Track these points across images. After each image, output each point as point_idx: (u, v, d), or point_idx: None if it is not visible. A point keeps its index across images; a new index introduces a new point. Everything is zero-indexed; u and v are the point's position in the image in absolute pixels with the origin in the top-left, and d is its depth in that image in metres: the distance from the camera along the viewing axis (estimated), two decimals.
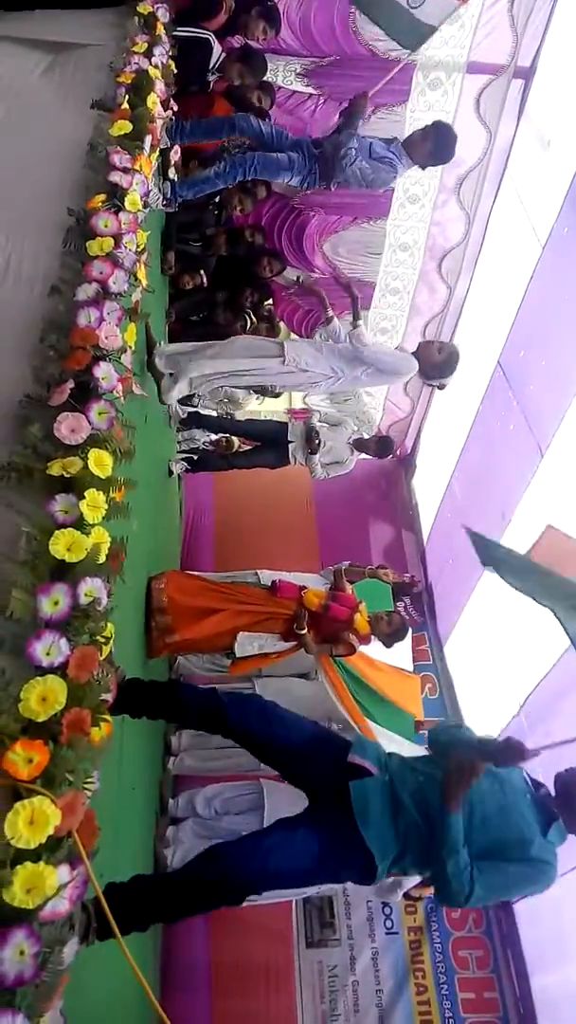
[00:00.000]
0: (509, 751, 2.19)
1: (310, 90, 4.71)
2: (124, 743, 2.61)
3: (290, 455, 5.13)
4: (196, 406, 5.76)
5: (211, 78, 4.35)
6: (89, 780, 1.41)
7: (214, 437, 5.65)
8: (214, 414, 6.00)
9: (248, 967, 4.05)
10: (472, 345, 5.33)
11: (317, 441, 4.97)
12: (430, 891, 3.90)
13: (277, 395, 6.37)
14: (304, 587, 3.81)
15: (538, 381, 4.25)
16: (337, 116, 4.21)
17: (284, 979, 4.05)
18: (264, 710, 2.37)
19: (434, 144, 3.80)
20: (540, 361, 4.23)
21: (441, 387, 3.96)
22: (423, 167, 3.98)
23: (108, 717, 1.54)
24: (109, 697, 1.57)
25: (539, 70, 4.43)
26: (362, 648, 3.75)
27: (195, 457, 5.38)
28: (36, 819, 1.23)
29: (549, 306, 4.13)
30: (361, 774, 2.20)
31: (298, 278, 5.37)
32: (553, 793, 2.20)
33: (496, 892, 2.13)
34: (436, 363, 3.75)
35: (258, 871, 2.07)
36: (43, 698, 1.35)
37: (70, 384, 1.84)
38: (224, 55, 4.33)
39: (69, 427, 1.76)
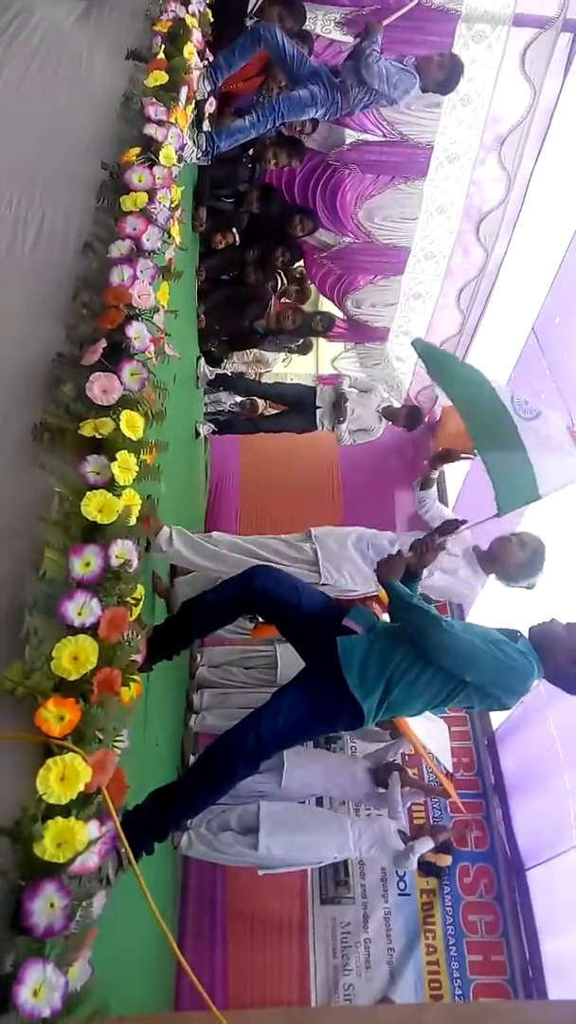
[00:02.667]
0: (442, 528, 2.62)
1: (349, 39, 4.55)
2: (149, 700, 2.64)
3: (317, 421, 5.09)
4: (224, 367, 5.73)
5: (250, 23, 4.22)
6: (119, 738, 1.42)
7: (240, 399, 5.63)
8: (243, 373, 5.98)
9: (263, 921, 4.15)
10: (506, 311, 5.22)
11: (345, 406, 4.93)
12: (448, 859, 3.96)
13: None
14: None
15: (574, 349, 4.16)
16: (353, 36, 4.23)
17: (298, 934, 4.14)
18: (282, 577, 2.62)
19: (448, 74, 3.85)
20: None
21: (530, 587, 3.15)
22: (425, 90, 3.96)
23: (137, 677, 1.56)
24: (139, 658, 1.58)
25: None
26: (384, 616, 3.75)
27: (222, 419, 5.37)
28: (67, 775, 1.24)
29: None
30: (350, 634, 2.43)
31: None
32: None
33: (471, 644, 2.24)
34: (520, 562, 3.08)
35: (257, 734, 2.28)
36: (75, 657, 1.36)
37: (103, 343, 1.82)
38: None
39: (101, 387, 1.74)
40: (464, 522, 2.84)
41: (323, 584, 3.13)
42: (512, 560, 3.08)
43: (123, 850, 1.54)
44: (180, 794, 2.29)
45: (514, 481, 2.66)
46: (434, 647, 2.24)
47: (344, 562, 3.12)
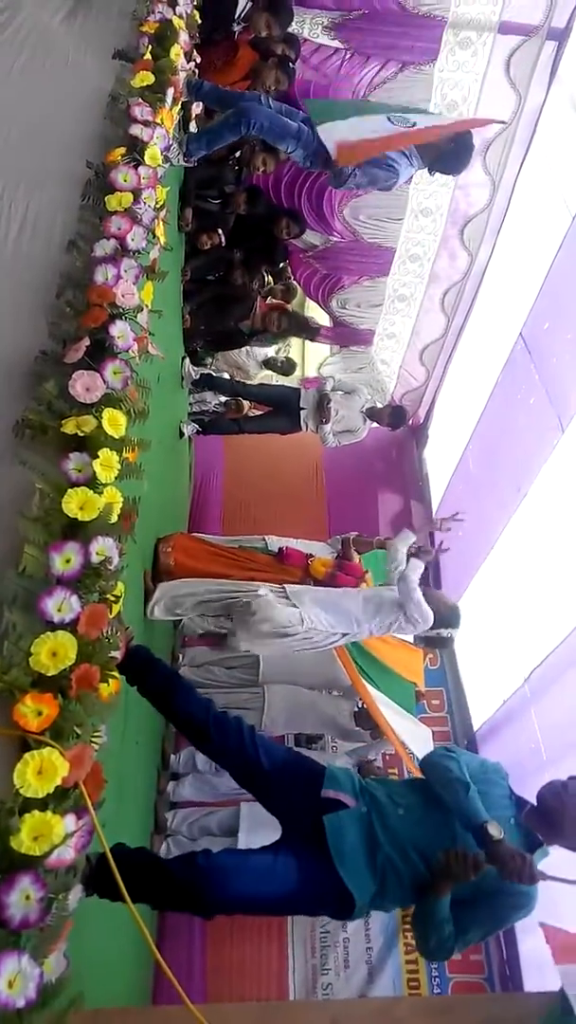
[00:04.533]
0: (513, 866, 1.88)
1: (336, 44, 4.59)
2: (129, 698, 2.64)
3: (302, 422, 5.11)
4: (209, 368, 5.74)
5: (236, 28, 4.24)
6: (97, 734, 1.43)
7: (225, 399, 5.64)
8: (226, 377, 5.99)
9: (242, 922, 4.15)
10: (492, 316, 5.26)
11: (329, 407, 4.95)
12: None
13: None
14: (311, 555, 3.83)
15: (562, 355, 4.19)
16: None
17: (277, 932, 4.15)
18: (242, 732, 2.24)
19: (453, 149, 3.67)
20: (566, 334, 4.16)
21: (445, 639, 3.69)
22: (431, 172, 3.88)
23: (116, 674, 1.57)
24: (118, 655, 1.59)
25: (574, 30, 4.29)
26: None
27: (206, 419, 5.37)
28: (44, 769, 1.25)
29: None
30: (336, 807, 2.11)
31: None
32: (536, 807, 2.11)
33: (475, 941, 2.09)
34: (443, 615, 3.49)
35: (232, 895, 1.97)
36: (53, 653, 1.37)
37: (86, 342, 1.82)
38: (250, 3, 4.22)
39: (84, 385, 1.75)
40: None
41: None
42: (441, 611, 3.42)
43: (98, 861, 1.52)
44: (144, 875, 1.96)
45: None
46: (424, 952, 2.09)
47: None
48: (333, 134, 3.37)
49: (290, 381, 6.59)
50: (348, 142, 3.37)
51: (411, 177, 4.55)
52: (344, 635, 3.41)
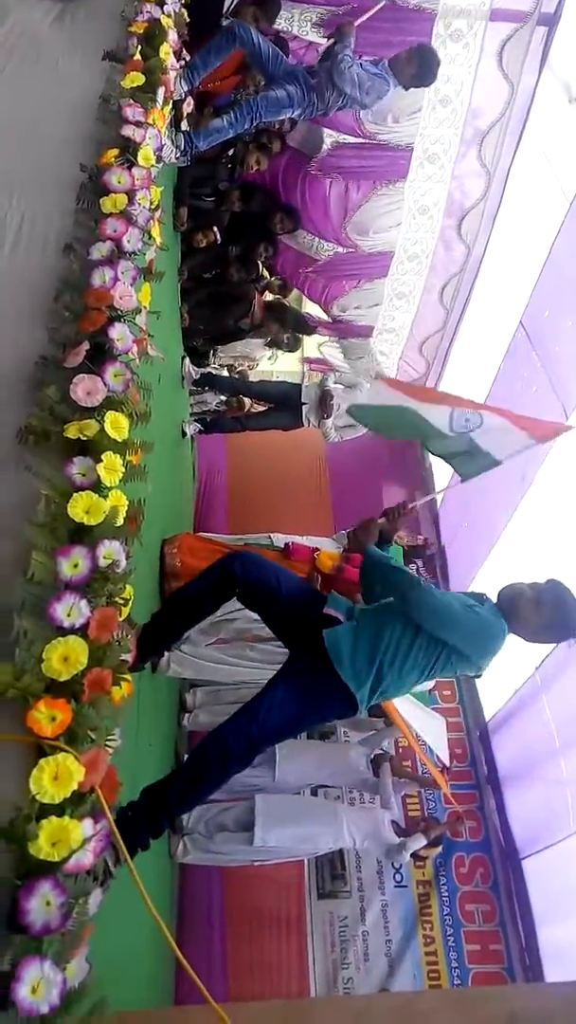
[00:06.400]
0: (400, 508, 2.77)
1: (325, 41, 4.56)
2: (141, 700, 2.66)
3: (303, 417, 5.10)
4: (210, 364, 5.74)
5: (225, 23, 4.22)
6: (111, 737, 1.43)
7: (226, 398, 5.64)
8: (227, 373, 5.99)
9: (261, 916, 4.17)
10: (491, 305, 5.24)
11: (331, 404, 4.94)
12: (437, 851, 3.99)
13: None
14: (317, 549, 3.83)
15: (564, 342, 4.17)
16: (326, 39, 4.25)
17: (296, 928, 4.16)
18: (262, 562, 2.65)
19: (418, 65, 3.88)
20: (567, 321, 4.14)
21: None
22: (406, 88, 4.01)
23: (128, 677, 1.57)
24: (129, 657, 1.59)
25: (564, 16, 4.26)
26: None
27: (208, 419, 5.37)
28: (60, 775, 1.25)
29: None
30: (333, 623, 2.45)
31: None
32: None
33: (450, 605, 2.31)
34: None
35: (249, 730, 2.27)
36: (65, 658, 1.37)
37: (85, 345, 1.82)
38: None
39: (85, 389, 1.75)
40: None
41: None
42: None
43: (119, 847, 1.55)
44: (173, 790, 2.29)
45: (468, 457, 2.90)
46: (415, 606, 2.30)
47: None
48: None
49: (291, 377, 6.60)
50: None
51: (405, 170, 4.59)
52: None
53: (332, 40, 3.91)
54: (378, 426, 3.41)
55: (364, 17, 3.98)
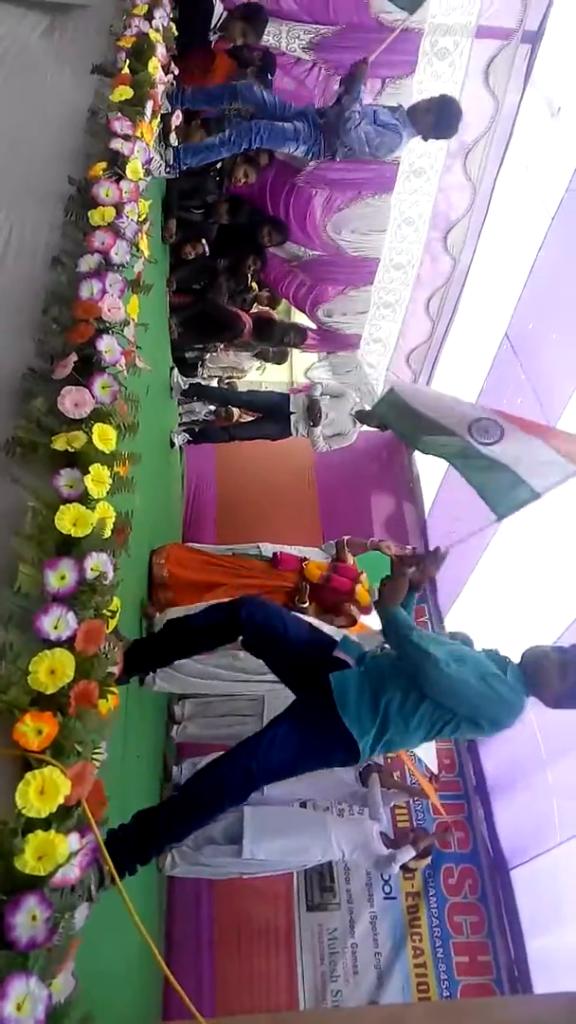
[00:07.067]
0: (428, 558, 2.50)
1: (312, 60, 4.62)
2: (129, 712, 2.64)
3: (292, 427, 5.12)
4: (199, 375, 5.74)
5: (213, 37, 4.26)
6: (97, 751, 1.43)
7: (214, 408, 5.64)
8: (215, 384, 5.99)
9: (250, 929, 4.14)
10: (477, 317, 5.29)
11: (319, 413, 4.96)
12: (426, 862, 3.98)
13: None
14: (305, 559, 3.83)
15: (548, 354, 4.21)
16: (338, 84, 4.12)
17: (285, 941, 4.14)
18: (269, 608, 2.56)
19: (437, 117, 3.79)
20: (551, 333, 4.18)
21: None
22: (425, 138, 3.95)
23: (115, 689, 1.56)
24: (116, 670, 1.59)
25: (546, 34, 4.33)
26: (363, 619, 3.77)
27: (196, 429, 5.37)
28: (46, 789, 1.25)
29: (560, 277, 4.07)
30: (342, 667, 2.39)
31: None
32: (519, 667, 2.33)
33: (466, 683, 2.21)
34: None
35: (248, 768, 2.21)
36: (51, 671, 1.37)
37: (73, 357, 1.82)
38: (226, 13, 4.24)
39: (73, 401, 1.75)
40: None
41: None
42: None
43: (105, 868, 1.54)
44: (164, 819, 2.21)
45: (502, 486, 2.60)
46: (429, 683, 2.22)
47: None
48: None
49: (279, 388, 6.62)
50: None
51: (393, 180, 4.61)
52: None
53: (342, 87, 3.81)
54: (401, 429, 3.15)
55: (379, 50, 3.91)
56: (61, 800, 1.25)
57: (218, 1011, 3.74)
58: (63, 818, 1.27)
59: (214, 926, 4.08)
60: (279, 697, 3.94)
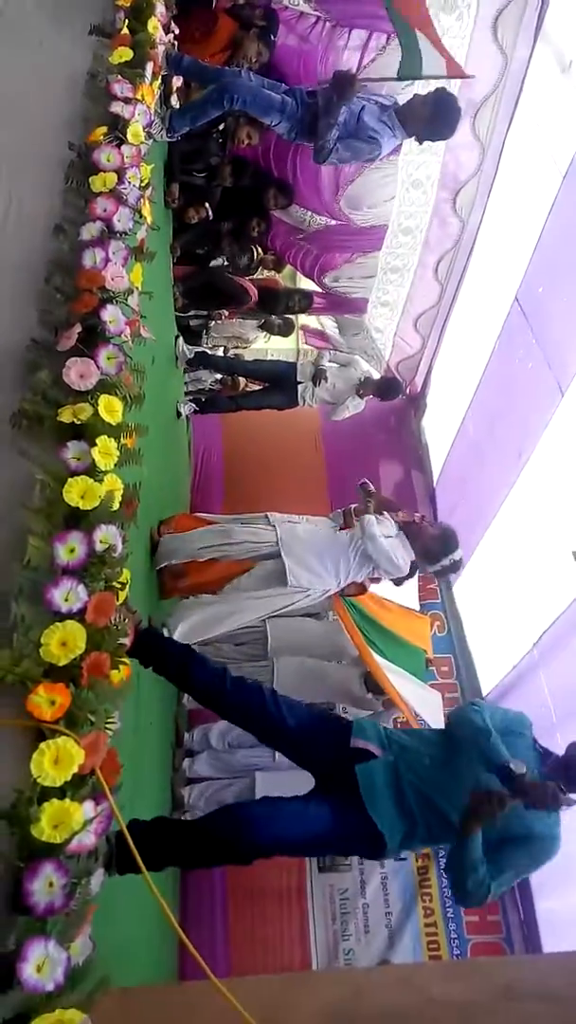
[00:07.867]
0: (537, 793, 1.99)
1: (317, 14, 4.49)
2: (141, 679, 2.66)
3: (299, 396, 5.09)
4: (204, 346, 5.70)
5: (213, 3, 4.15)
6: (110, 720, 1.44)
7: (220, 377, 5.61)
8: (221, 353, 5.95)
9: (263, 891, 4.22)
10: (486, 281, 5.20)
11: (324, 380, 4.94)
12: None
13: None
14: None
15: (559, 317, 4.14)
16: (330, 80, 3.61)
17: (297, 902, 4.22)
18: (263, 694, 2.35)
19: (432, 113, 3.49)
20: (561, 297, 4.11)
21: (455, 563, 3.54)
22: (419, 141, 3.71)
23: (126, 660, 1.58)
24: (127, 641, 1.60)
25: None
26: (372, 588, 3.78)
27: (203, 399, 5.35)
28: (61, 758, 1.26)
29: (572, 237, 3.98)
30: (365, 756, 2.23)
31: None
32: (561, 758, 2.19)
33: (509, 883, 2.14)
34: (434, 549, 3.48)
35: (269, 837, 2.10)
36: (63, 643, 1.38)
37: (77, 328, 1.81)
38: None
39: (78, 372, 1.74)
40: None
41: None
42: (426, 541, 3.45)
43: (131, 850, 1.53)
44: (173, 841, 2.12)
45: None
46: (461, 897, 2.11)
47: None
48: None
49: (286, 356, 6.56)
50: None
51: (399, 147, 4.47)
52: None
53: (330, 92, 3.46)
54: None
55: (369, 61, 3.88)
56: (75, 769, 1.27)
57: (232, 971, 3.84)
58: (78, 786, 1.29)
59: (227, 888, 4.16)
60: (287, 665, 3.98)
